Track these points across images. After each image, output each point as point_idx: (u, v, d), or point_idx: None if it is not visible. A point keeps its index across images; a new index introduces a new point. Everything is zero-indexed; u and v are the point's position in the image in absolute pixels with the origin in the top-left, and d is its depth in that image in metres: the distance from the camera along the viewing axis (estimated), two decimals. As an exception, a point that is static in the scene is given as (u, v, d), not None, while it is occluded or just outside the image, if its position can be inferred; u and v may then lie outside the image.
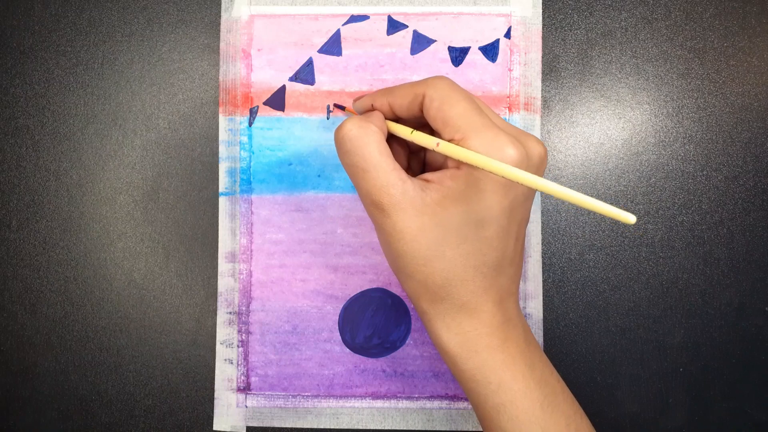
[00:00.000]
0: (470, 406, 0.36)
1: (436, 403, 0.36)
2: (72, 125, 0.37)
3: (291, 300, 0.36)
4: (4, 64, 0.37)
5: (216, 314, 0.36)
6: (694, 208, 0.36)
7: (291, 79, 0.36)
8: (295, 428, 0.36)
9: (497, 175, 0.25)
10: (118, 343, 0.37)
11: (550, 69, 0.36)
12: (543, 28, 0.36)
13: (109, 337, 0.37)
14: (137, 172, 0.37)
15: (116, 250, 0.37)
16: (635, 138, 0.36)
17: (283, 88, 0.36)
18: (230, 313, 0.36)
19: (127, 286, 0.37)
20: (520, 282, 0.34)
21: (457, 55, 0.36)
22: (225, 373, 0.36)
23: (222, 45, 0.36)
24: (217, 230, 0.36)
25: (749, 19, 0.36)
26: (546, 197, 0.36)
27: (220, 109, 0.36)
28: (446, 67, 0.36)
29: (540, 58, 0.36)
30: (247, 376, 0.36)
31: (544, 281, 0.36)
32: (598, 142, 0.36)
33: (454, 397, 0.36)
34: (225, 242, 0.36)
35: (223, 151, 0.36)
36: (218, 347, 0.36)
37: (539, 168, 0.28)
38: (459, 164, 0.27)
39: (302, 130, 0.36)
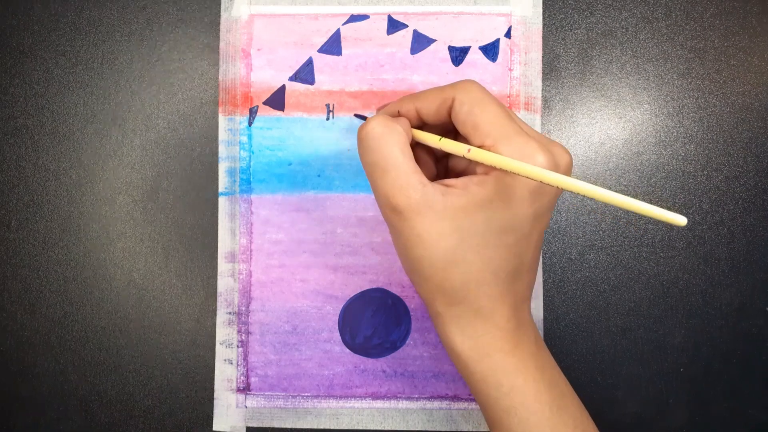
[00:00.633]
0: (470, 407, 0.36)
1: (436, 404, 0.36)
2: (71, 125, 0.37)
3: (291, 300, 0.36)
4: (4, 63, 0.37)
5: (216, 314, 0.36)
6: (694, 208, 0.36)
7: (291, 79, 0.36)
8: (294, 428, 0.36)
9: (534, 179, 0.24)
10: (117, 343, 0.37)
11: (551, 69, 0.36)
12: (543, 27, 0.36)
13: (109, 337, 0.37)
14: (137, 172, 0.37)
15: (116, 250, 0.37)
16: (636, 138, 0.36)
17: (282, 88, 0.36)
18: (230, 313, 0.36)
19: (127, 286, 0.37)
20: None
21: (458, 54, 0.36)
22: (225, 373, 0.36)
23: (222, 45, 0.36)
24: (217, 230, 0.36)
25: (750, 18, 0.36)
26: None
27: (220, 109, 0.36)
28: (446, 67, 0.36)
29: (540, 58, 0.36)
30: (247, 377, 0.36)
31: (544, 281, 0.36)
32: (599, 141, 0.36)
33: (454, 398, 0.36)
34: (225, 242, 0.36)
35: (222, 150, 0.36)
36: (218, 347, 0.36)
37: (566, 175, 0.28)
38: (488, 170, 0.27)
39: (302, 130, 0.36)
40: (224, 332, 0.36)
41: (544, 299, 0.36)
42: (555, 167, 0.26)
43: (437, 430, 0.36)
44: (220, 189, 0.36)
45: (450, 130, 0.30)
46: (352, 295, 0.36)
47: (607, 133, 0.36)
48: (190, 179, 0.37)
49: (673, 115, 0.36)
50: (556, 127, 0.36)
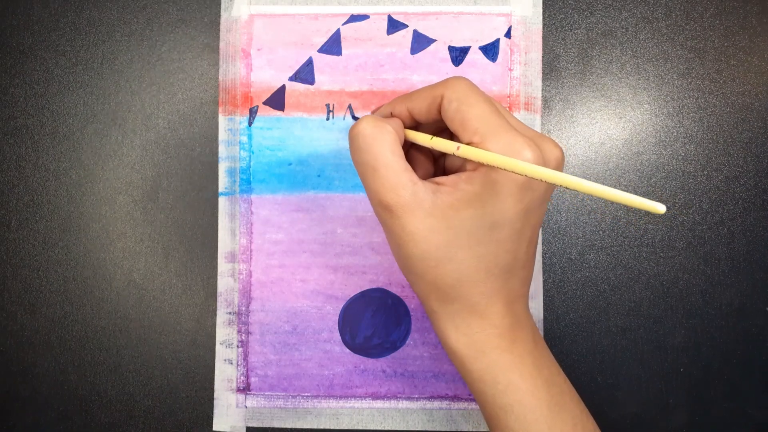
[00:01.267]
0: (470, 407, 0.36)
1: (436, 404, 0.36)
2: (71, 125, 0.37)
3: (291, 300, 0.36)
4: (4, 63, 0.37)
5: (216, 314, 0.36)
6: (694, 208, 0.36)
7: (291, 79, 0.36)
8: (294, 428, 0.36)
9: (520, 174, 0.24)
10: (117, 343, 0.37)
11: (551, 68, 0.36)
12: (543, 27, 0.36)
13: (109, 337, 0.37)
14: (137, 172, 0.37)
15: (116, 250, 0.37)
16: (635, 138, 0.36)
17: (282, 88, 0.36)
18: (230, 313, 0.36)
19: (127, 286, 0.37)
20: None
21: (458, 54, 0.36)
22: (225, 373, 0.36)
23: (222, 44, 0.36)
24: (217, 230, 0.36)
25: (750, 18, 0.36)
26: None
27: (220, 109, 0.36)
28: (446, 67, 0.36)
29: (540, 58, 0.36)
30: (247, 377, 0.36)
31: (544, 281, 0.36)
32: (599, 141, 0.36)
33: (454, 398, 0.36)
34: (225, 242, 0.36)
35: (222, 150, 0.36)
36: (218, 347, 0.36)
37: (556, 170, 0.28)
38: (476, 167, 0.27)
39: (302, 130, 0.36)
40: (224, 332, 0.36)
41: (544, 299, 0.36)
42: (543, 162, 0.26)
43: (437, 430, 0.36)
44: (220, 189, 0.36)
45: (444, 129, 0.30)
46: (352, 295, 0.36)
47: (607, 133, 0.36)
48: (190, 179, 0.37)
49: (673, 115, 0.36)
50: (556, 127, 0.36)
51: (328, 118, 0.36)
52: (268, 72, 0.36)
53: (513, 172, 0.25)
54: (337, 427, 0.36)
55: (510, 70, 0.36)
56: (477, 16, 0.36)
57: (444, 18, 0.36)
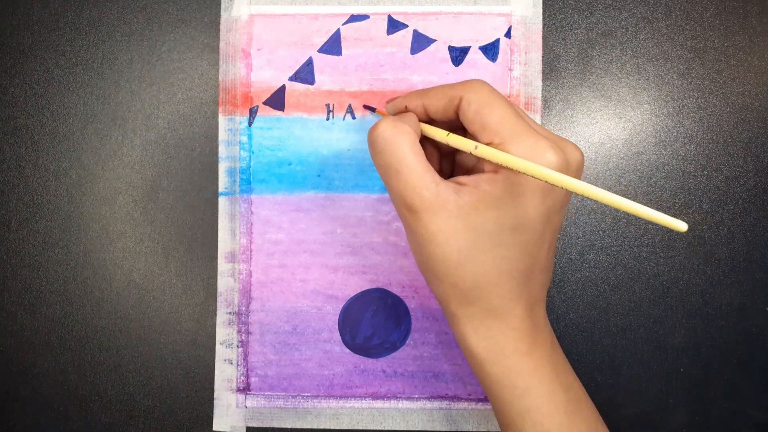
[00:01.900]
0: (470, 407, 0.36)
1: (436, 404, 0.36)
2: (71, 125, 0.37)
3: (291, 300, 0.36)
4: (4, 63, 0.37)
5: (216, 314, 0.36)
6: (694, 208, 0.36)
7: (291, 79, 0.36)
8: (294, 428, 0.36)
9: (540, 179, 0.24)
10: (117, 343, 0.37)
11: (551, 69, 0.36)
12: (543, 27, 0.36)
13: (109, 337, 0.37)
14: (137, 172, 0.37)
15: (116, 250, 0.37)
16: (635, 138, 0.36)
17: (282, 88, 0.36)
18: (230, 313, 0.36)
19: (127, 286, 0.37)
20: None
21: (458, 54, 0.36)
22: (225, 373, 0.36)
23: (222, 44, 0.36)
24: (217, 230, 0.36)
25: (750, 18, 0.36)
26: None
27: (220, 109, 0.36)
28: (446, 67, 0.36)
29: (540, 58, 0.36)
30: (247, 377, 0.36)
31: (544, 281, 0.36)
32: (599, 141, 0.36)
33: (454, 398, 0.36)
34: (225, 242, 0.36)
35: (222, 150, 0.36)
36: (218, 347, 0.36)
37: (577, 174, 0.28)
38: (497, 168, 0.27)
39: (302, 130, 0.36)
40: (224, 332, 0.36)
41: (544, 299, 0.36)
42: (566, 166, 0.26)
43: (437, 430, 0.36)
44: (220, 189, 0.36)
45: (458, 127, 0.30)
46: (352, 295, 0.36)
47: (607, 133, 0.36)
48: (190, 179, 0.37)
49: (673, 115, 0.36)
50: (556, 128, 0.36)
51: (328, 118, 0.36)
52: (268, 72, 0.36)
53: (530, 175, 0.25)
54: (337, 427, 0.36)
55: (510, 70, 0.36)
56: (477, 16, 0.36)
57: (444, 18, 0.36)
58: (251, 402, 0.36)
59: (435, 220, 0.27)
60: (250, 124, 0.36)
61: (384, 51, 0.36)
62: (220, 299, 0.36)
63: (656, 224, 0.26)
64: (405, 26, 0.36)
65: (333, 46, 0.36)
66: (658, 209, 0.36)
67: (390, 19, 0.36)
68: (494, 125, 0.26)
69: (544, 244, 0.28)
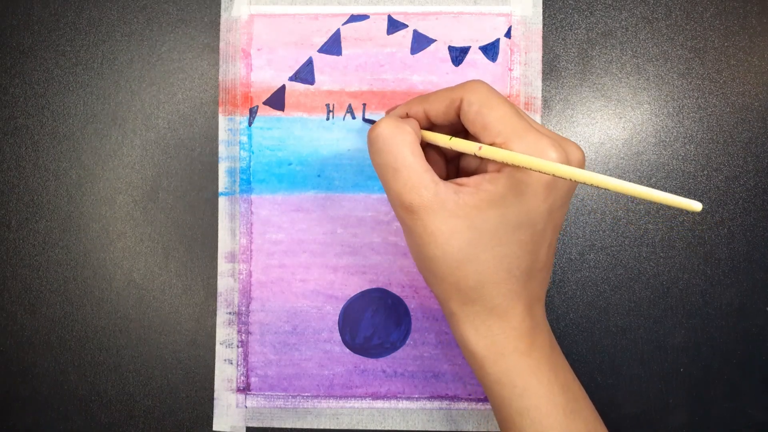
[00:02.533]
0: (470, 407, 0.36)
1: (436, 404, 0.36)
2: (71, 125, 0.37)
3: (291, 300, 0.36)
4: (4, 63, 0.37)
5: (215, 314, 0.36)
6: (694, 208, 0.36)
7: (291, 79, 0.36)
8: (294, 428, 0.36)
9: (546, 173, 0.24)
10: (117, 343, 0.37)
11: (551, 69, 0.36)
12: (543, 27, 0.36)
13: (109, 337, 0.37)
14: (137, 172, 0.37)
15: (116, 250, 0.37)
16: (635, 138, 0.36)
17: (282, 88, 0.36)
18: (230, 313, 0.36)
19: (127, 286, 0.37)
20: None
21: (458, 54, 0.36)
22: (225, 373, 0.36)
23: (222, 44, 0.36)
24: (217, 230, 0.36)
25: (750, 18, 0.36)
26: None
27: (220, 109, 0.36)
28: (446, 67, 0.36)
29: (540, 58, 0.36)
30: (247, 377, 0.36)
31: (544, 281, 0.36)
32: (599, 141, 0.36)
33: (454, 398, 0.36)
34: (225, 242, 0.36)
35: (222, 150, 0.36)
36: (218, 347, 0.36)
37: None
38: (500, 168, 0.27)
39: (302, 130, 0.36)
40: (224, 332, 0.36)
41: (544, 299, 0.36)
42: (567, 163, 0.26)
43: (437, 430, 0.36)
44: (220, 189, 0.36)
45: (460, 131, 0.30)
46: (352, 295, 0.36)
47: (607, 133, 0.36)
48: (190, 179, 0.37)
49: (673, 115, 0.36)
50: (556, 127, 0.36)
51: (328, 118, 0.36)
52: (268, 72, 0.36)
53: (538, 170, 0.25)
54: (337, 427, 0.36)
55: (510, 70, 0.36)
56: (477, 16, 0.36)
57: (444, 18, 0.36)
58: (251, 402, 0.36)
59: (434, 220, 0.27)
60: (250, 124, 0.36)
61: (384, 51, 0.36)
62: (220, 299, 0.36)
63: (670, 207, 0.26)
64: (405, 26, 0.36)
65: (333, 46, 0.36)
66: (658, 209, 0.36)
67: (390, 19, 0.36)
68: (496, 125, 0.26)
69: (545, 242, 0.28)
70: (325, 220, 0.36)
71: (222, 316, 0.36)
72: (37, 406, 0.36)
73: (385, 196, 0.36)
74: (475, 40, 0.36)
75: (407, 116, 0.30)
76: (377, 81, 0.36)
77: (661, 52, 0.36)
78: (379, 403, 0.36)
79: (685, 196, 0.36)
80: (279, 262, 0.36)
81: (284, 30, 0.36)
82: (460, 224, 0.26)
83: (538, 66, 0.36)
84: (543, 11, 0.36)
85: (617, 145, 0.36)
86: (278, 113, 0.36)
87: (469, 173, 0.31)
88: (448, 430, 0.36)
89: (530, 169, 0.25)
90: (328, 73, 0.36)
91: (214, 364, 0.36)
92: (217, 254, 0.36)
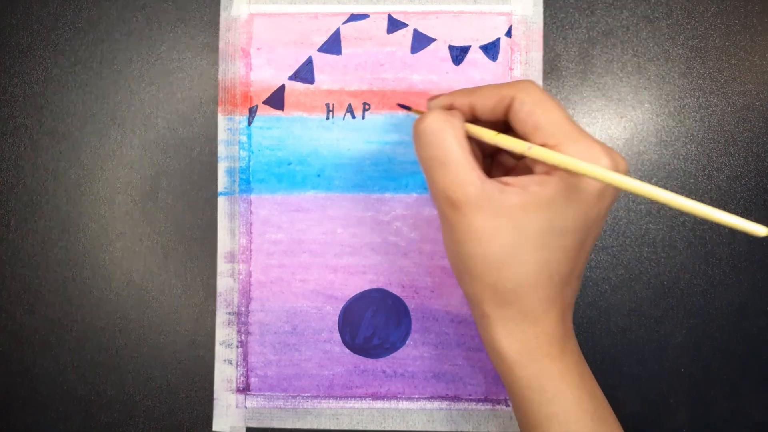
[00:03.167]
0: (470, 407, 0.36)
1: (436, 404, 0.36)
2: (70, 124, 0.37)
3: (290, 300, 0.36)
4: (3, 63, 0.37)
5: (215, 314, 0.36)
6: (695, 207, 0.36)
7: (290, 78, 0.36)
8: (294, 429, 0.36)
9: (602, 181, 0.24)
10: (117, 343, 0.36)
11: (551, 68, 0.36)
12: (544, 26, 0.36)
13: (108, 337, 0.36)
14: (136, 172, 0.37)
15: (115, 249, 0.37)
16: (636, 137, 0.36)
17: (282, 87, 0.36)
18: (229, 313, 0.36)
19: (126, 286, 0.37)
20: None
21: (458, 53, 0.36)
22: (224, 373, 0.36)
23: (221, 44, 0.36)
24: (216, 230, 0.36)
25: (751, 18, 0.36)
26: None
27: (219, 109, 0.36)
28: (447, 66, 0.36)
29: (541, 57, 0.36)
30: (247, 377, 0.36)
31: (544, 281, 0.36)
32: (599, 141, 0.36)
33: (454, 398, 0.36)
34: (224, 242, 0.36)
35: (222, 150, 0.36)
36: (217, 348, 0.36)
37: None
38: (550, 170, 0.26)
39: (302, 130, 0.36)
40: (224, 332, 0.36)
41: (544, 299, 0.36)
42: (616, 171, 0.26)
43: (437, 430, 0.36)
44: (220, 189, 0.36)
45: (501, 128, 0.29)
46: (352, 295, 0.36)
47: (608, 132, 0.36)
48: (189, 179, 0.36)
49: (674, 115, 0.36)
50: (556, 127, 0.36)
51: (327, 118, 0.36)
52: (268, 71, 0.36)
53: (593, 177, 0.24)
54: (336, 428, 0.36)
55: (511, 69, 0.36)
56: (477, 15, 0.36)
57: (444, 17, 0.36)
58: (251, 402, 0.36)
59: (479, 218, 0.26)
60: (249, 123, 0.36)
61: (384, 50, 0.36)
62: (219, 299, 0.36)
63: (733, 229, 0.25)
64: (405, 25, 0.36)
65: (333, 45, 0.36)
66: (659, 209, 0.36)
67: (390, 18, 0.36)
68: (548, 127, 0.26)
69: (584, 250, 0.28)
70: (325, 220, 0.36)
71: (221, 317, 0.36)
72: (36, 406, 0.36)
73: (386, 195, 0.36)
74: (475, 39, 0.36)
75: (451, 107, 0.30)
76: (377, 80, 0.36)
77: (662, 52, 0.36)
78: (379, 404, 0.36)
79: (685, 196, 0.36)
80: (279, 262, 0.36)
81: (284, 29, 0.36)
82: (505, 224, 0.26)
83: (538, 65, 0.36)
84: (544, 10, 0.36)
85: (618, 144, 0.36)
86: (278, 113, 0.36)
87: (504, 171, 0.31)
88: (448, 430, 0.36)
89: (584, 174, 0.24)
90: (328, 73, 0.36)
91: (213, 364, 0.36)
92: (216, 254, 0.36)
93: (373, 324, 0.36)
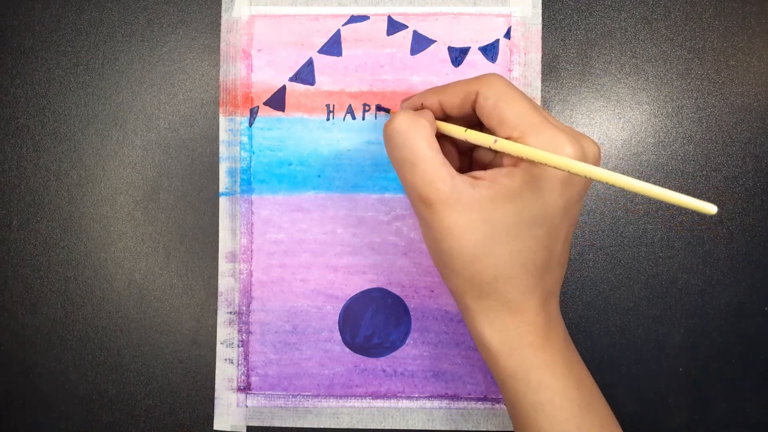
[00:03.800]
0: (470, 406, 0.36)
1: (436, 403, 0.36)
2: (72, 125, 0.37)
3: (291, 300, 0.36)
4: (5, 64, 0.37)
5: (216, 314, 0.36)
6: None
7: (291, 80, 0.36)
8: (295, 428, 0.36)
9: (562, 169, 0.24)
10: (118, 342, 0.37)
11: (550, 69, 0.36)
12: (543, 28, 0.36)
13: (110, 336, 0.37)
14: (137, 172, 0.37)
15: (117, 250, 0.37)
16: (635, 138, 0.37)
17: (283, 89, 0.36)
18: (230, 312, 0.36)
19: (128, 286, 0.37)
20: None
21: (457, 55, 0.36)
22: (225, 372, 0.36)
23: (222, 45, 0.37)
24: (218, 230, 0.36)
25: (749, 19, 0.36)
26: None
27: (221, 110, 0.37)
28: (446, 68, 0.36)
29: (540, 59, 0.36)
30: (248, 376, 0.36)
31: (543, 281, 0.36)
32: (598, 142, 0.36)
33: (453, 397, 0.36)
34: (225, 242, 0.36)
35: (223, 151, 0.36)
36: (218, 347, 0.36)
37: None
38: (516, 162, 0.27)
39: (302, 131, 0.36)
40: (225, 332, 0.36)
41: (543, 299, 0.36)
42: (583, 159, 0.26)
43: (437, 429, 0.36)
44: (221, 189, 0.36)
45: (474, 123, 0.29)
46: (352, 295, 0.36)
47: (606, 133, 0.37)
48: (190, 179, 0.37)
49: (672, 116, 0.37)
50: (555, 128, 0.36)
51: (328, 119, 0.36)
52: (269, 72, 0.36)
53: (554, 166, 0.25)
54: (337, 427, 0.36)
55: (509, 70, 0.36)
56: (476, 17, 0.36)
57: (444, 19, 0.36)
58: (252, 401, 0.36)
59: (451, 214, 0.27)
60: (250, 124, 0.36)
61: (384, 52, 0.36)
62: (220, 299, 0.36)
63: (685, 208, 0.26)
64: (405, 27, 0.36)
65: (333, 46, 0.36)
66: (657, 209, 0.36)
67: (390, 20, 0.36)
68: (512, 119, 0.26)
69: (560, 238, 0.28)
70: (325, 220, 0.36)
71: (223, 316, 0.36)
72: (38, 405, 0.37)
73: (385, 196, 0.36)
74: (474, 40, 0.36)
75: (422, 107, 0.30)
76: (377, 82, 0.36)
77: (661, 53, 0.37)
78: (379, 403, 0.36)
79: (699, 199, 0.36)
80: (279, 262, 0.36)
81: (285, 31, 0.36)
82: (476, 218, 0.26)
83: (537, 67, 0.36)
84: (542, 12, 0.36)
85: (616, 145, 0.36)
86: (279, 114, 0.36)
87: (482, 166, 0.31)
88: (447, 429, 0.36)
89: (545, 164, 0.25)
90: (329, 74, 0.36)
91: (214, 363, 0.36)
92: (217, 254, 0.36)
93: (373, 323, 0.36)
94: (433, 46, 0.36)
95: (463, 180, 0.27)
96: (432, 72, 0.36)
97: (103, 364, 0.37)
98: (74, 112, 0.37)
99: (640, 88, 0.37)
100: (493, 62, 0.36)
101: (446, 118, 0.30)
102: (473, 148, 0.32)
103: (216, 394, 0.36)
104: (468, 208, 0.26)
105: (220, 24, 0.37)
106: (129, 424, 0.36)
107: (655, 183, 0.36)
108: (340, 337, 0.36)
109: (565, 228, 0.28)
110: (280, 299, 0.36)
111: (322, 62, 0.36)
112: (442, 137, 0.30)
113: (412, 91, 0.36)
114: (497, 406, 0.36)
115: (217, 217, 0.36)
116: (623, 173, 0.36)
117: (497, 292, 0.28)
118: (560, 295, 0.36)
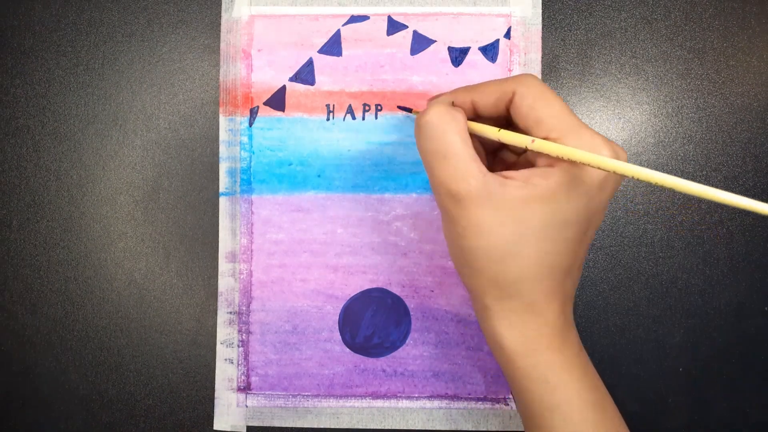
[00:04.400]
0: (470, 406, 0.36)
1: (436, 403, 0.36)
2: (72, 125, 0.37)
3: (291, 300, 0.36)
4: (5, 64, 0.37)
5: (216, 314, 0.36)
6: (693, 208, 0.36)
7: (291, 80, 0.36)
8: (295, 428, 0.36)
9: (606, 170, 0.24)
10: (118, 342, 0.37)
11: (550, 69, 0.36)
12: (543, 28, 0.36)
13: (110, 336, 0.37)
14: (137, 173, 0.37)
15: (117, 250, 0.37)
16: (635, 138, 0.37)
17: (283, 89, 0.36)
18: (230, 312, 0.36)
19: (128, 286, 0.37)
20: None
21: (457, 55, 0.36)
22: (225, 372, 0.36)
23: (222, 45, 0.37)
24: (218, 230, 0.36)
25: (749, 19, 0.36)
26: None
27: (221, 110, 0.37)
28: (446, 68, 0.36)
29: (540, 59, 0.36)
30: (248, 376, 0.36)
31: (543, 281, 0.36)
32: (598, 142, 0.36)
33: (453, 397, 0.36)
34: (225, 242, 0.36)
35: (223, 151, 0.36)
36: (218, 347, 0.36)
37: None
38: (552, 163, 0.26)
39: (302, 131, 0.36)
40: (225, 332, 0.36)
41: (543, 299, 0.36)
42: None
43: (437, 429, 0.36)
44: (221, 189, 0.36)
45: (502, 125, 0.29)
46: (352, 294, 0.36)
47: (606, 133, 0.37)
48: (190, 179, 0.37)
49: (672, 116, 0.37)
50: (555, 128, 0.36)
51: (328, 119, 0.36)
52: (269, 72, 0.36)
53: (598, 167, 0.24)
54: (337, 427, 0.36)
55: (509, 70, 0.36)
56: (476, 17, 0.36)
57: (444, 19, 0.36)
58: (252, 401, 0.36)
59: (480, 211, 0.26)
60: (250, 124, 0.36)
61: (384, 52, 0.36)
62: (220, 299, 0.36)
63: (741, 210, 0.25)
64: (405, 27, 0.36)
65: (333, 46, 0.36)
66: (657, 209, 0.36)
67: (390, 20, 0.36)
68: (550, 120, 0.26)
69: (585, 242, 0.28)
70: (325, 220, 0.36)
71: (223, 316, 0.36)
72: (38, 405, 0.37)
73: (385, 196, 0.36)
74: (474, 40, 0.36)
75: (453, 105, 0.30)
76: (377, 82, 0.36)
77: (661, 53, 0.37)
78: (379, 403, 0.36)
79: (684, 197, 0.36)
80: (279, 262, 0.36)
81: (285, 31, 0.36)
82: (506, 217, 0.26)
83: (537, 66, 0.36)
84: (542, 12, 0.36)
85: (616, 145, 0.36)
86: (279, 114, 0.36)
87: (506, 166, 0.31)
88: (447, 429, 0.36)
89: (589, 165, 0.25)
90: (329, 74, 0.36)
91: (214, 363, 0.36)
92: (217, 254, 0.36)
93: (374, 323, 0.36)
94: (433, 46, 0.36)
95: (494, 178, 0.26)
96: (432, 72, 0.36)
97: (103, 364, 0.37)
98: (74, 112, 0.37)
99: (640, 88, 0.37)
100: (493, 62, 0.36)
101: (476, 118, 0.30)
102: (496, 149, 0.31)
103: (216, 394, 0.36)
104: (499, 206, 0.26)
105: (220, 24, 0.37)
106: (129, 424, 0.36)
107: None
108: (340, 337, 0.36)
109: (591, 232, 0.28)
110: (280, 299, 0.36)
111: (322, 62, 0.36)
112: (470, 137, 0.30)
113: (412, 91, 0.36)
114: (498, 405, 0.36)
115: (217, 217, 0.36)
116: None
117: (521, 293, 0.27)
118: (560, 295, 0.36)
